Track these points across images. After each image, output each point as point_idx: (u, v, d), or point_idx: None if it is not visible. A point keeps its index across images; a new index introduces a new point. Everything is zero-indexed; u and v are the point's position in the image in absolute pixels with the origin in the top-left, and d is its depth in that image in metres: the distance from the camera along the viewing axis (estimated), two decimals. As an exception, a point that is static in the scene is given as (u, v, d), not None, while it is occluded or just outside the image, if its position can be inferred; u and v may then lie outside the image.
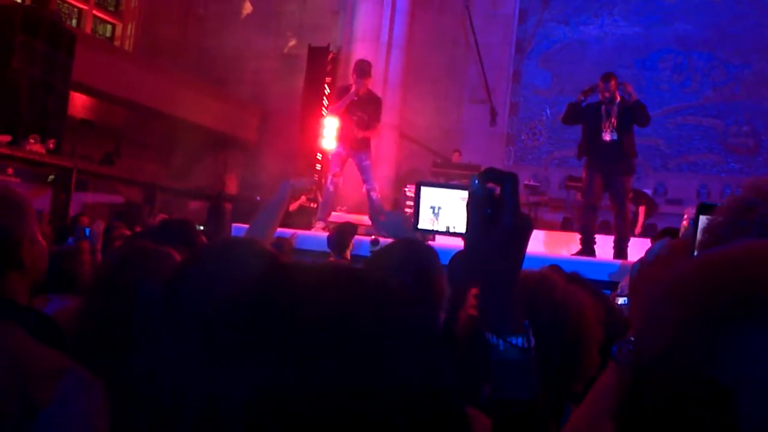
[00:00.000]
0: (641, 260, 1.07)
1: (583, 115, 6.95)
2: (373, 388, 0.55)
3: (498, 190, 0.86)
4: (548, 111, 14.64)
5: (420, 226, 1.10)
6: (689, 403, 0.48)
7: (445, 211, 1.08)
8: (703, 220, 0.93)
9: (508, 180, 0.86)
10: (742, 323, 0.47)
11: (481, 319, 0.88)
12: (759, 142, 13.88)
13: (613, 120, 6.72)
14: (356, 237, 5.86)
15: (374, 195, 8.00)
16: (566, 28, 14.97)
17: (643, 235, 9.39)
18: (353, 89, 7.64)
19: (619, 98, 6.80)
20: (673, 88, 13.98)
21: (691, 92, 14.04)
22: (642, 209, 10.61)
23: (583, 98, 6.98)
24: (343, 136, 7.97)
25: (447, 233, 1.06)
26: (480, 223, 0.86)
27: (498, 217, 0.85)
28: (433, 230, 1.09)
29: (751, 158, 13.82)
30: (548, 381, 1.00)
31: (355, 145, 7.85)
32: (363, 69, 7.78)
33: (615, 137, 6.70)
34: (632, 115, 6.74)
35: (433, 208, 1.09)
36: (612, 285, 4.22)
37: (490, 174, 0.87)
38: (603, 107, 6.78)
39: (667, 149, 14.01)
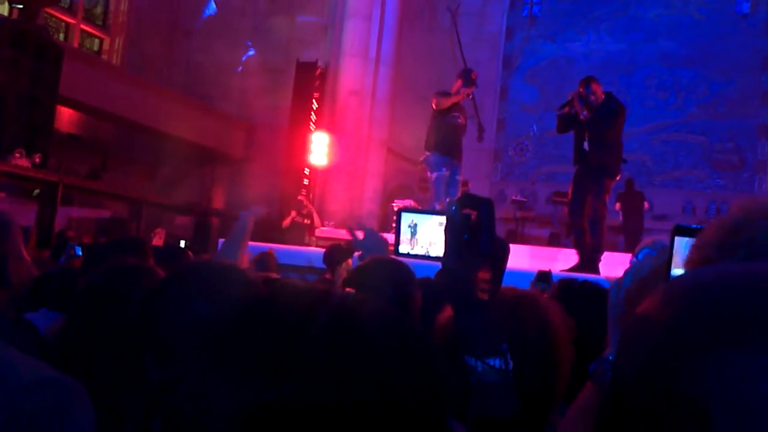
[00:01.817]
0: (619, 280, 1.07)
1: (572, 124, 6.88)
2: (359, 402, 0.56)
3: (474, 215, 0.88)
4: (535, 127, 14.75)
5: (401, 250, 1.13)
6: (667, 422, 0.48)
7: (422, 231, 1.10)
8: (678, 241, 0.93)
9: (484, 206, 0.88)
10: (719, 347, 0.48)
11: (459, 341, 0.89)
12: (743, 159, 14.03)
13: (590, 127, 6.64)
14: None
15: None
16: (553, 44, 15.11)
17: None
18: (457, 90, 7.50)
19: (594, 102, 6.68)
20: (658, 104, 14.13)
21: (675, 109, 14.20)
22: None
23: (560, 111, 6.98)
24: (443, 146, 7.52)
25: (425, 257, 1.09)
26: (457, 247, 0.88)
27: (475, 242, 0.87)
28: (412, 254, 1.12)
29: (735, 174, 13.96)
30: (530, 398, 1.00)
31: (454, 153, 7.53)
32: (469, 78, 7.63)
33: (593, 144, 6.59)
34: (599, 116, 6.64)
35: (410, 226, 1.11)
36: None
37: (467, 200, 0.89)
38: (584, 115, 6.68)
39: (652, 165, 14.13)
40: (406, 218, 1.13)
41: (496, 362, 0.86)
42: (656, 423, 0.49)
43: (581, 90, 6.79)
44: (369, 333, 0.61)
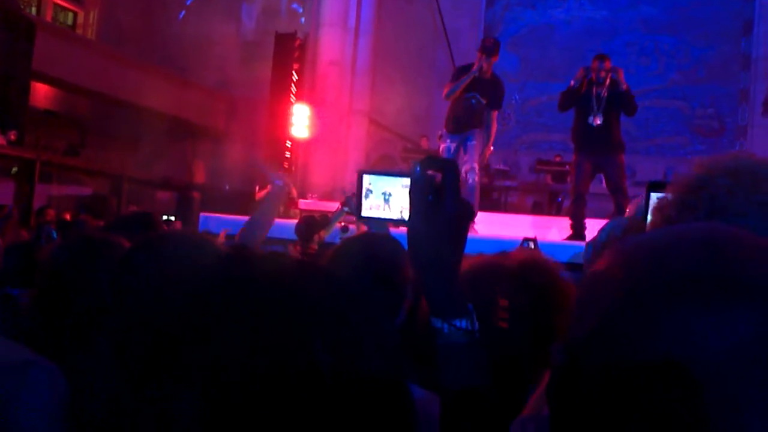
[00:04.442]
0: (593, 240, 1.06)
1: (577, 100, 6.92)
2: (319, 374, 0.57)
3: (439, 177, 0.88)
4: (517, 96, 14.70)
5: (364, 214, 1.12)
6: (629, 383, 0.48)
7: (395, 199, 1.08)
8: (653, 197, 0.93)
9: (448, 167, 0.88)
10: (679, 304, 0.48)
11: (426, 303, 0.89)
12: (724, 124, 14.09)
13: (602, 104, 6.71)
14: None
15: (472, 179, 7.01)
16: (533, 12, 15.02)
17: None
18: (476, 66, 6.96)
19: (608, 81, 6.75)
20: (639, 71, 14.11)
21: (657, 75, 14.21)
22: None
23: (573, 83, 6.95)
24: (451, 122, 7.20)
25: (395, 221, 1.08)
26: (422, 209, 0.88)
27: (440, 204, 0.88)
28: (379, 218, 1.10)
29: (716, 140, 14.03)
30: (503, 368, 0.99)
31: (464, 128, 7.11)
32: (488, 47, 7.08)
33: (601, 122, 6.69)
34: (621, 102, 6.76)
35: (384, 194, 1.11)
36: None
37: (431, 161, 0.89)
38: (594, 89, 6.74)
39: (634, 132, 14.16)
40: (367, 180, 1.11)
41: (463, 323, 0.86)
42: (610, 390, 0.49)
43: (595, 65, 6.79)
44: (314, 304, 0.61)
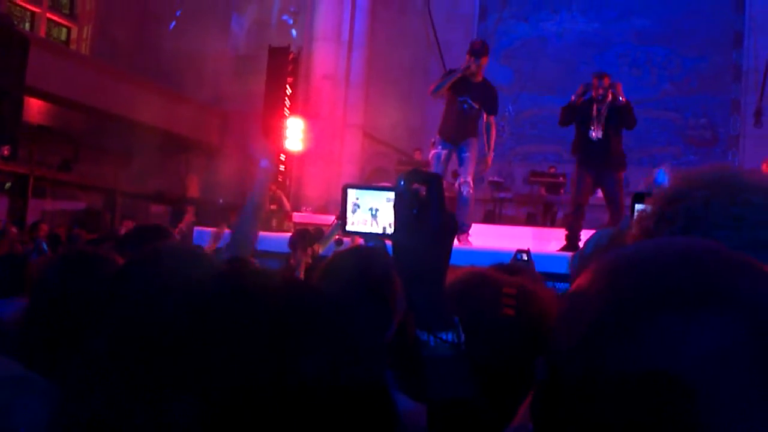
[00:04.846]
0: (580, 252, 1.06)
1: (577, 114, 7.08)
2: (303, 383, 0.60)
3: (423, 190, 0.89)
4: (510, 108, 14.75)
5: (349, 228, 1.13)
6: (610, 392, 0.49)
7: (382, 213, 1.09)
8: (638, 208, 0.94)
9: (433, 181, 0.90)
10: (659, 313, 0.50)
11: (412, 316, 0.90)
12: (716, 135, 14.16)
13: (602, 118, 6.89)
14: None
15: (465, 191, 7.02)
16: (526, 24, 15.10)
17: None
18: (464, 65, 6.94)
19: (610, 97, 6.92)
20: (632, 82, 14.16)
21: (649, 86, 14.27)
22: None
23: (574, 99, 7.12)
24: (444, 129, 7.14)
25: (381, 235, 1.08)
26: (407, 222, 0.89)
27: (424, 217, 0.89)
28: (363, 232, 1.11)
29: (709, 150, 14.09)
30: (490, 379, 0.99)
31: (458, 137, 7.04)
32: (476, 49, 7.03)
33: (601, 136, 6.87)
34: (620, 116, 6.94)
35: (371, 209, 1.12)
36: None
37: (416, 175, 0.91)
38: (594, 105, 6.92)
39: (628, 142, 14.19)
40: (353, 195, 1.12)
41: (449, 336, 0.86)
42: (592, 400, 0.50)
43: (594, 83, 7.00)
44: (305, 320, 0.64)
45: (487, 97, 7.12)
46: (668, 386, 0.47)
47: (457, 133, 7.03)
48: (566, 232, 7.09)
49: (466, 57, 7.04)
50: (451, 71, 7.25)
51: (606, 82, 6.92)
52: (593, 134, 6.86)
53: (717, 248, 0.57)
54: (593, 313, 0.53)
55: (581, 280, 0.57)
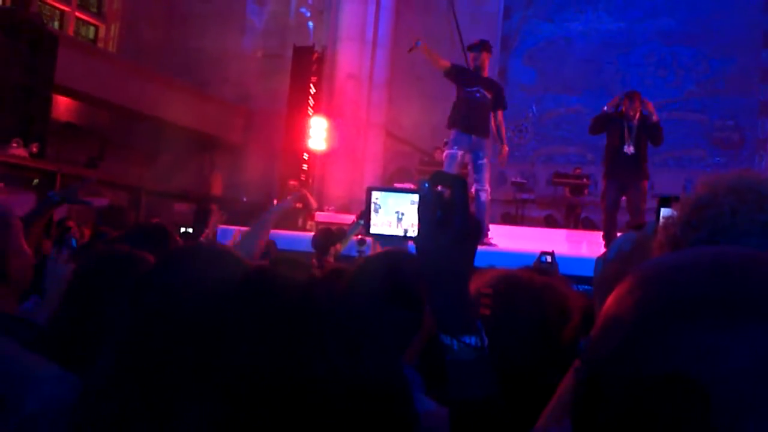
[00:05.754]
0: (603, 255, 1.05)
1: (608, 126, 7.33)
2: (322, 381, 0.62)
3: (447, 193, 0.88)
4: (534, 108, 14.67)
5: (372, 230, 1.12)
6: (647, 400, 0.49)
7: (407, 217, 1.09)
8: (664, 212, 0.93)
9: (457, 183, 0.89)
10: (691, 326, 0.50)
11: (435, 320, 0.89)
12: (743, 137, 13.96)
13: (633, 135, 7.14)
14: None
15: (483, 197, 7.10)
16: (551, 24, 15.00)
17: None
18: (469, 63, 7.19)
19: (639, 115, 7.18)
20: (657, 83, 14.04)
21: (674, 87, 14.11)
22: None
23: (607, 109, 7.37)
24: (458, 119, 7.15)
25: (404, 237, 1.08)
26: (431, 225, 0.88)
27: (448, 220, 0.88)
28: (388, 235, 1.10)
29: (735, 153, 13.90)
30: (512, 379, 0.99)
31: (472, 125, 7.08)
32: (474, 45, 7.38)
33: (634, 150, 7.11)
34: (649, 133, 7.17)
35: (397, 212, 1.11)
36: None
37: (439, 177, 0.90)
38: (625, 122, 7.15)
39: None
40: (377, 197, 1.12)
41: (472, 340, 0.86)
42: (629, 406, 0.50)
43: (626, 104, 7.24)
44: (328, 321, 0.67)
45: (496, 90, 7.35)
46: (700, 398, 0.47)
47: (471, 121, 7.12)
48: (604, 242, 7.28)
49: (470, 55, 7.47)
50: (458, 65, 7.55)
51: (637, 103, 7.16)
52: (627, 149, 7.11)
53: (749, 256, 0.56)
54: (630, 321, 0.53)
55: (620, 289, 0.57)
